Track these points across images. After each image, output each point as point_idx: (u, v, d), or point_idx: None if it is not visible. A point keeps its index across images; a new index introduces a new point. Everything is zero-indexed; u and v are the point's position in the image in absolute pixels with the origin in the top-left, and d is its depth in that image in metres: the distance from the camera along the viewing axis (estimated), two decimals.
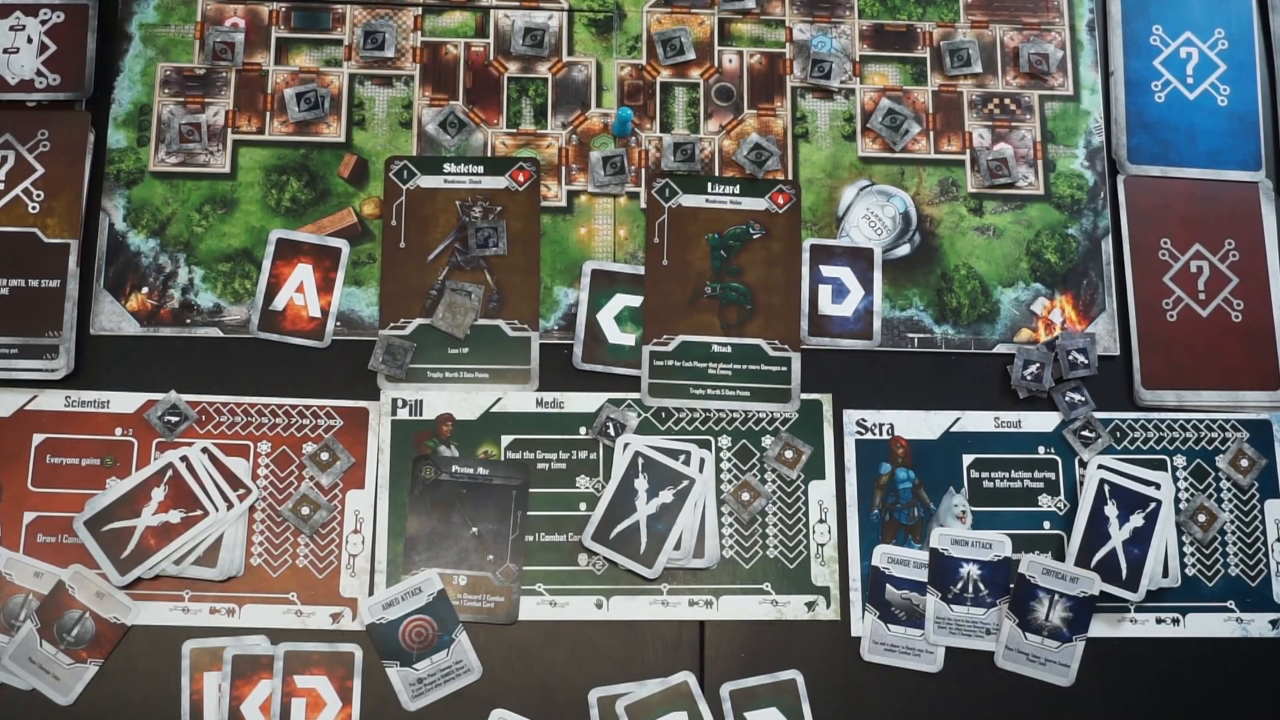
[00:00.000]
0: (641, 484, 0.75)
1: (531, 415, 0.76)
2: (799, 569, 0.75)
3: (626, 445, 0.75)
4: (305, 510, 0.74)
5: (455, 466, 0.75)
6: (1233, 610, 0.76)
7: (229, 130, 0.79)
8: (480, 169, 0.79)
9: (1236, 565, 0.77)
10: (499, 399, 0.76)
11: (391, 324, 0.76)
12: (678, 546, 0.74)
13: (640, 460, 0.75)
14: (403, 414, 0.75)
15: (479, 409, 0.76)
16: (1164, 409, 0.79)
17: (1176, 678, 0.75)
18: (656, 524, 0.74)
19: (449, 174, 0.78)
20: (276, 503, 0.74)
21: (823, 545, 0.75)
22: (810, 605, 0.75)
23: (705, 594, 0.74)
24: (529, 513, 0.75)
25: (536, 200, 0.79)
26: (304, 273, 0.77)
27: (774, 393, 0.77)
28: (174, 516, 0.72)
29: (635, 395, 0.77)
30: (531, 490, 0.75)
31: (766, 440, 0.77)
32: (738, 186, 0.80)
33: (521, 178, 0.79)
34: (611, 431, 0.76)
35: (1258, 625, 0.76)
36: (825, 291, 0.79)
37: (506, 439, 0.76)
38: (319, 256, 0.77)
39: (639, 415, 0.76)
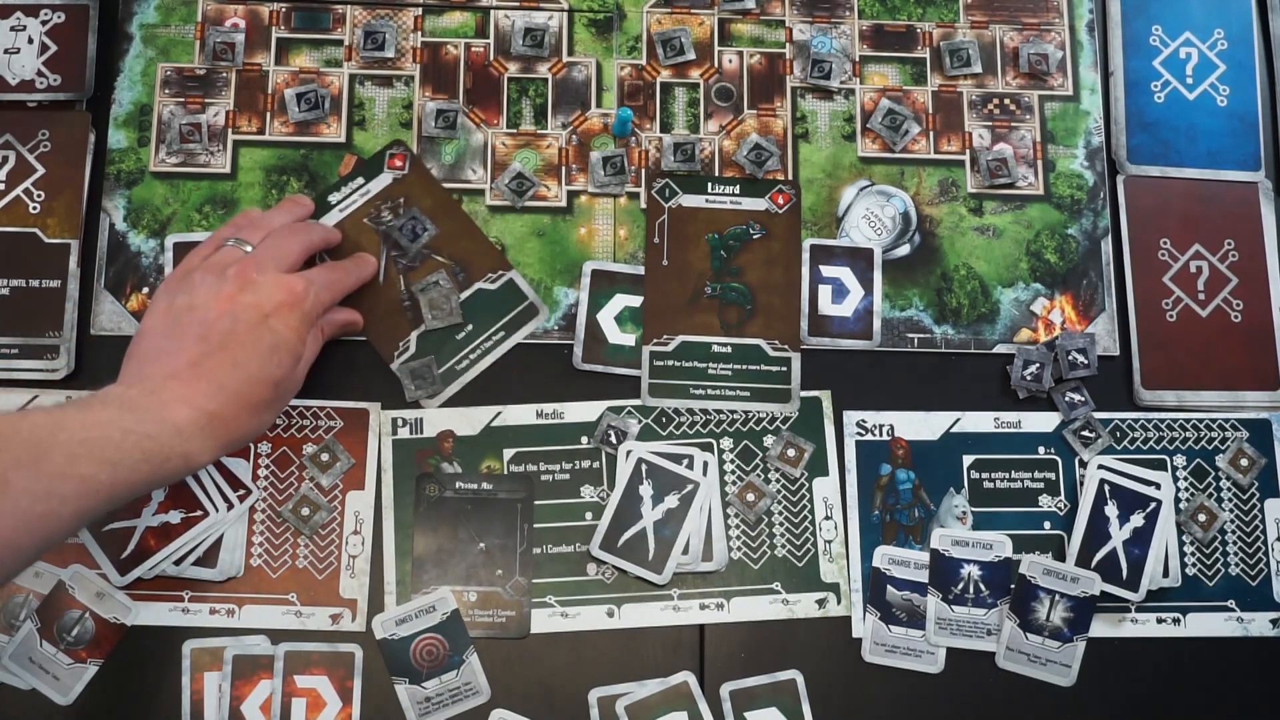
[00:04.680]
0: (646, 490, 0.75)
1: (532, 427, 0.76)
2: (808, 566, 0.75)
3: (629, 452, 0.75)
4: (305, 511, 0.74)
5: (459, 483, 0.75)
6: (1233, 610, 0.76)
7: (229, 130, 0.79)
8: (360, 181, 0.78)
9: (1237, 565, 0.77)
10: (498, 413, 0.76)
11: (395, 354, 0.76)
12: (686, 551, 0.74)
13: (644, 467, 0.75)
14: (403, 433, 0.75)
15: (479, 424, 0.76)
16: (1164, 409, 0.79)
17: (1177, 677, 0.75)
18: (663, 529, 0.74)
19: (339, 205, 0.78)
20: (276, 503, 0.74)
21: (830, 542, 0.75)
22: (821, 602, 0.75)
23: (716, 597, 0.74)
24: (535, 525, 0.75)
25: (426, 175, 0.78)
26: None
27: (774, 393, 0.77)
28: (174, 517, 0.72)
29: (636, 401, 0.77)
30: (536, 502, 0.75)
31: (768, 440, 0.77)
32: (738, 186, 0.80)
33: (399, 162, 0.79)
34: (613, 439, 0.76)
35: (1258, 624, 0.76)
36: (825, 291, 0.79)
37: (509, 452, 0.76)
38: None
39: (640, 422, 0.76)
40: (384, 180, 0.78)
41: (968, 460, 0.78)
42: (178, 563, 0.72)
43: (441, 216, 0.78)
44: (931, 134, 0.82)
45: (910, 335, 0.79)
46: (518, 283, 0.77)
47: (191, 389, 0.62)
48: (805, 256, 0.80)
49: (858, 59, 0.83)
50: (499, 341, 0.77)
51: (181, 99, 0.80)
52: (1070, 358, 0.78)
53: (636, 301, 0.78)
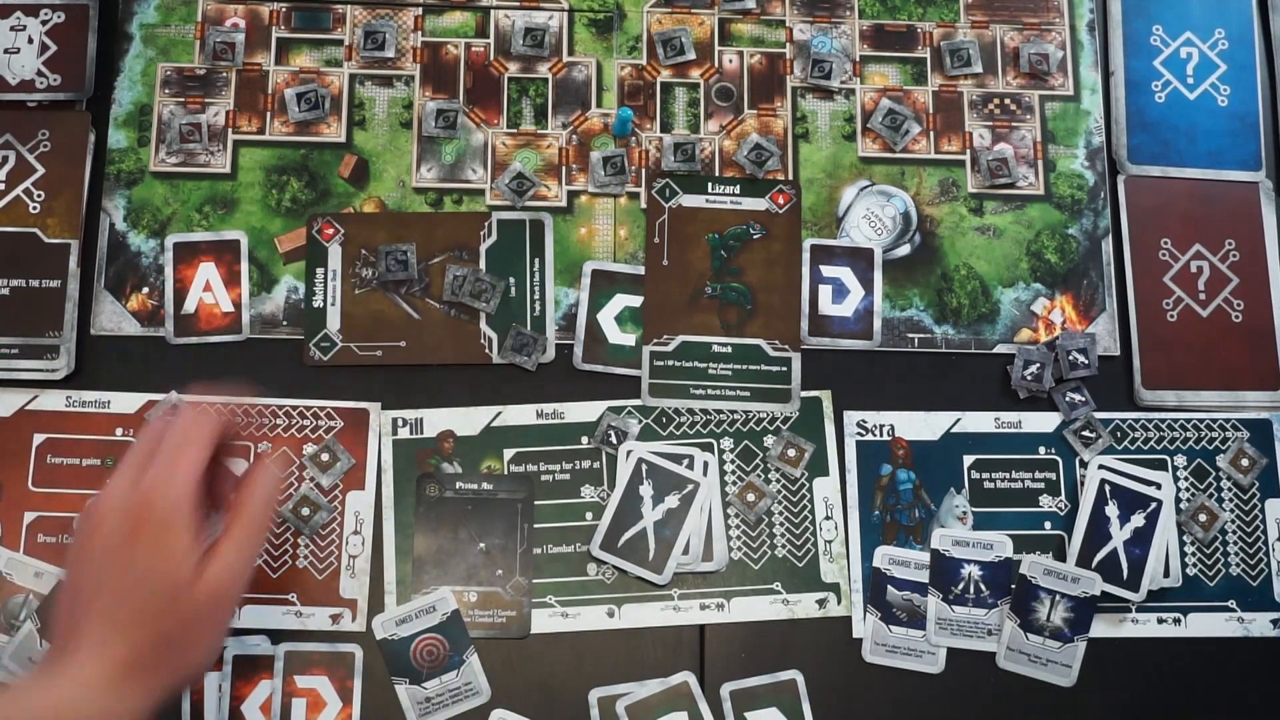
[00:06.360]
0: (646, 490, 0.75)
1: (533, 427, 0.76)
2: (808, 566, 0.75)
3: (629, 452, 0.75)
4: (305, 511, 0.74)
5: (459, 483, 0.75)
6: (1234, 610, 0.76)
7: (229, 130, 0.79)
8: (319, 270, 0.78)
9: (1237, 565, 0.77)
10: (498, 413, 0.76)
11: (488, 351, 0.76)
12: (686, 551, 0.74)
13: (644, 467, 0.75)
14: (403, 433, 0.75)
15: (479, 424, 0.76)
16: (1164, 409, 0.79)
17: (1178, 677, 0.75)
18: (664, 529, 0.74)
19: (331, 300, 0.77)
20: (276, 503, 0.74)
21: (830, 542, 0.75)
22: (821, 602, 0.75)
23: (716, 597, 0.74)
24: (535, 525, 0.74)
25: (360, 216, 0.78)
26: (208, 271, 0.77)
27: (774, 393, 0.77)
28: None
29: (636, 401, 0.77)
30: (536, 502, 0.75)
31: (768, 440, 0.76)
32: (738, 186, 0.80)
33: (330, 230, 0.79)
34: (614, 439, 0.76)
35: (1259, 625, 0.76)
36: (825, 291, 0.79)
37: (509, 452, 0.75)
38: (219, 253, 0.77)
39: (640, 422, 0.76)
40: (334, 253, 0.77)
41: (968, 460, 0.77)
42: None
43: (404, 231, 0.78)
44: (932, 134, 0.82)
45: (910, 335, 0.79)
46: (504, 218, 0.78)
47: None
48: (805, 256, 0.80)
49: (858, 59, 0.83)
50: (542, 265, 0.77)
51: (181, 99, 0.80)
52: (1070, 358, 0.78)
53: (636, 301, 0.78)
